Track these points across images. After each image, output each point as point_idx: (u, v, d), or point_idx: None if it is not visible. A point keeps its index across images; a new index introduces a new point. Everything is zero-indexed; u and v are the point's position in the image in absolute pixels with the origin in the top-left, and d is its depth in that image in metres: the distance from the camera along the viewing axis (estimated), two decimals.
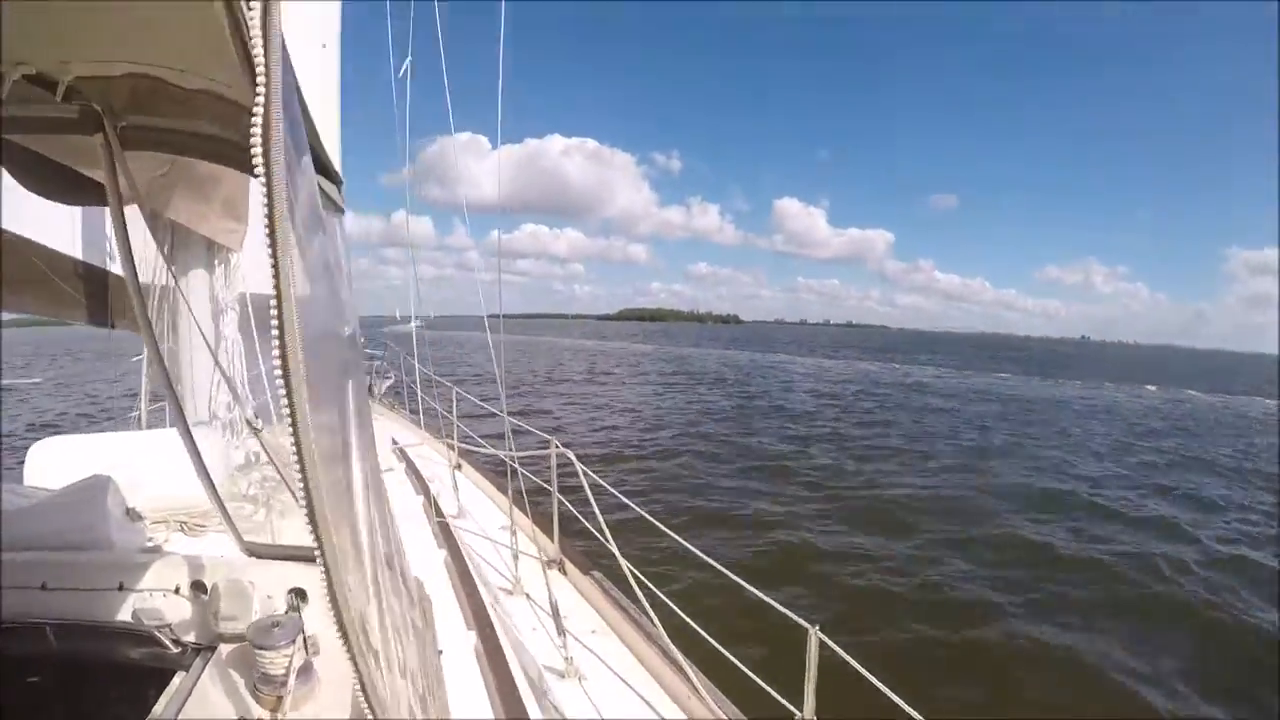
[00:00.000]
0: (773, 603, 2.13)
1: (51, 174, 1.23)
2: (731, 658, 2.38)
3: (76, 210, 2.06)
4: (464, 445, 4.35)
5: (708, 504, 9.41)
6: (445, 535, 2.67)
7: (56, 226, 2.13)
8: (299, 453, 0.52)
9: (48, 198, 1.29)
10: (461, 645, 1.95)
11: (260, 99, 0.51)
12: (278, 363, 0.49)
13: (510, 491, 3.34)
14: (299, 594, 1.52)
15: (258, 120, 0.50)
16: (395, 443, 4.02)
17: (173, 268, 1.88)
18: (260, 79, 0.51)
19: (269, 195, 0.50)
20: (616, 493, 3.06)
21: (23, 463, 2.54)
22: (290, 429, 0.51)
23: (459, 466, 4.58)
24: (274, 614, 1.48)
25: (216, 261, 1.96)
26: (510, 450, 3.41)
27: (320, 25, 4.69)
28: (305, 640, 1.44)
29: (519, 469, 3.58)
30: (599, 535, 2.85)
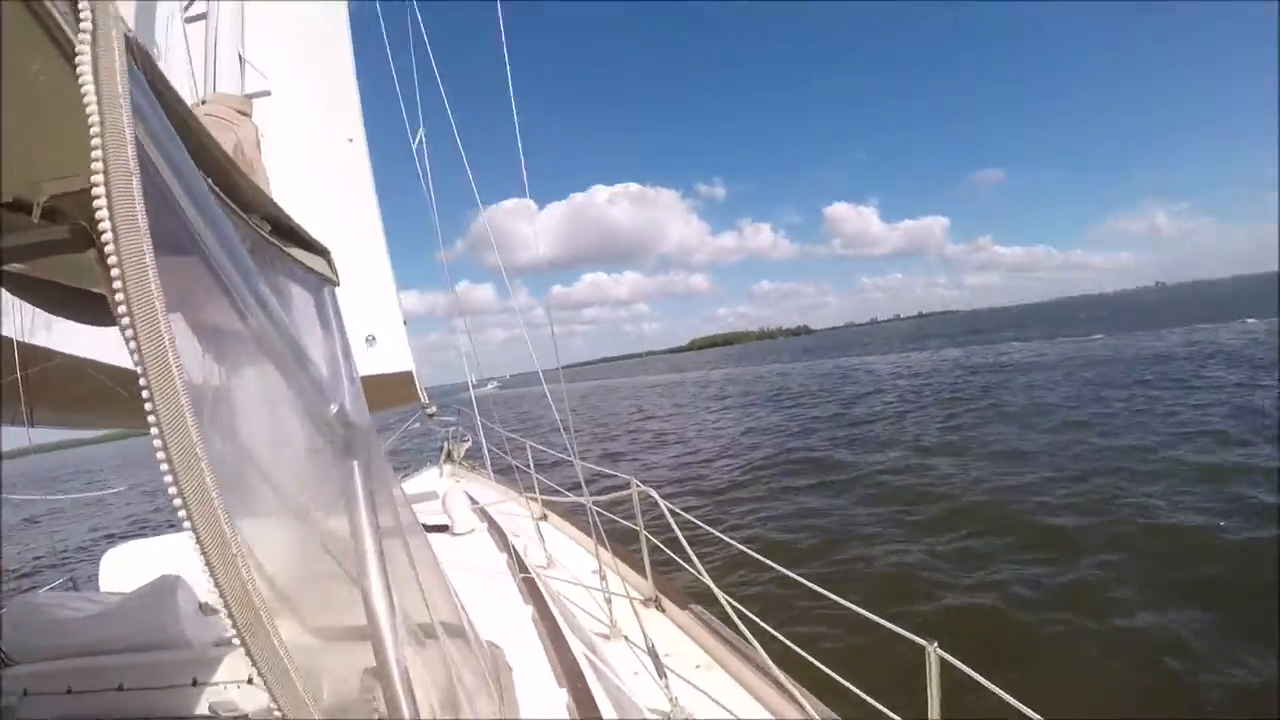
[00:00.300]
0: (884, 622, 2.03)
1: (67, 298, 1.23)
2: (845, 682, 2.27)
3: None
4: (545, 496, 4.37)
5: (804, 525, 8.63)
6: (531, 590, 2.63)
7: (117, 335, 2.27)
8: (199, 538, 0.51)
9: (76, 320, 1.29)
10: (553, 704, 1.90)
11: (98, 182, 0.49)
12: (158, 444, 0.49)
13: (594, 534, 3.29)
14: (374, 673, 1.52)
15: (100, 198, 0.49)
16: (475, 502, 4.05)
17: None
18: (96, 156, 0.49)
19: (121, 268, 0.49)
20: (700, 523, 3.00)
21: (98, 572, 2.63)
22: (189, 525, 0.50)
23: (544, 517, 4.60)
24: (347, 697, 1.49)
25: None
26: (588, 495, 3.38)
27: (343, 121, 4.97)
28: None
29: (604, 511, 3.56)
30: (691, 569, 2.78)
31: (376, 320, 5.24)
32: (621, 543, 3.86)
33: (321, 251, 1.12)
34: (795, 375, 38.17)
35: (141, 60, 0.60)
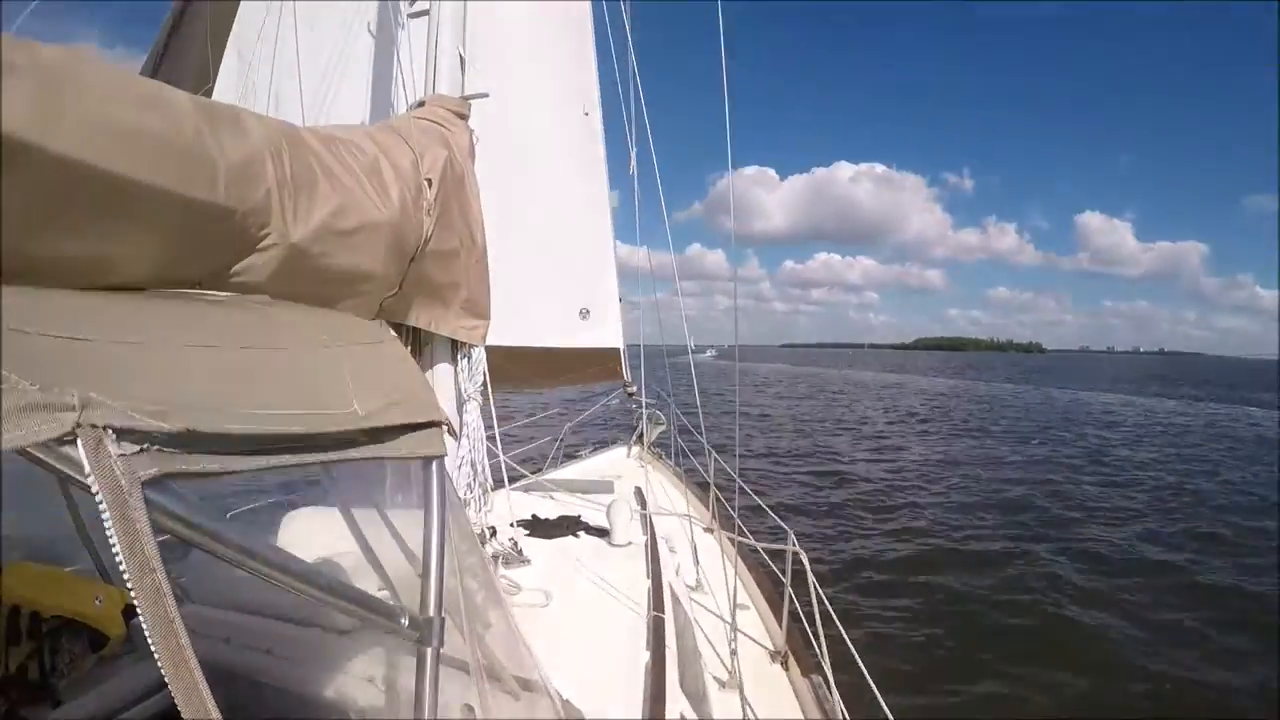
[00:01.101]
0: None
1: None
2: None
3: None
4: (706, 518, 4.32)
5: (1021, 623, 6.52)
6: (656, 634, 2.52)
7: None
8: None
9: None
10: None
11: None
12: None
13: (733, 574, 3.21)
14: None
15: None
16: (643, 507, 3.99)
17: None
18: None
19: None
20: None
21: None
22: None
23: (710, 530, 4.46)
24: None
25: (460, 355, 2.03)
26: (735, 536, 3.36)
27: (579, 93, 5.02)
28: None
29: (755, 547, 3.49)
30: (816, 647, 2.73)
31: (593, 292, 5.35)
32: (770, 579, 3.74)
33: (431, 424, 1.03)
34: (1029, 404, 32.86)
35: None
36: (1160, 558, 8.63)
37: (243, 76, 4.01)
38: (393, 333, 0.99)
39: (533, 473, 5.55)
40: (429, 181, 1.50)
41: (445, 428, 1.01)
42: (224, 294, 0.97)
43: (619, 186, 5.47)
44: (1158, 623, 6.56)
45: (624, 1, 4.01)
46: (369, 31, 3.80)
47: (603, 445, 6.56)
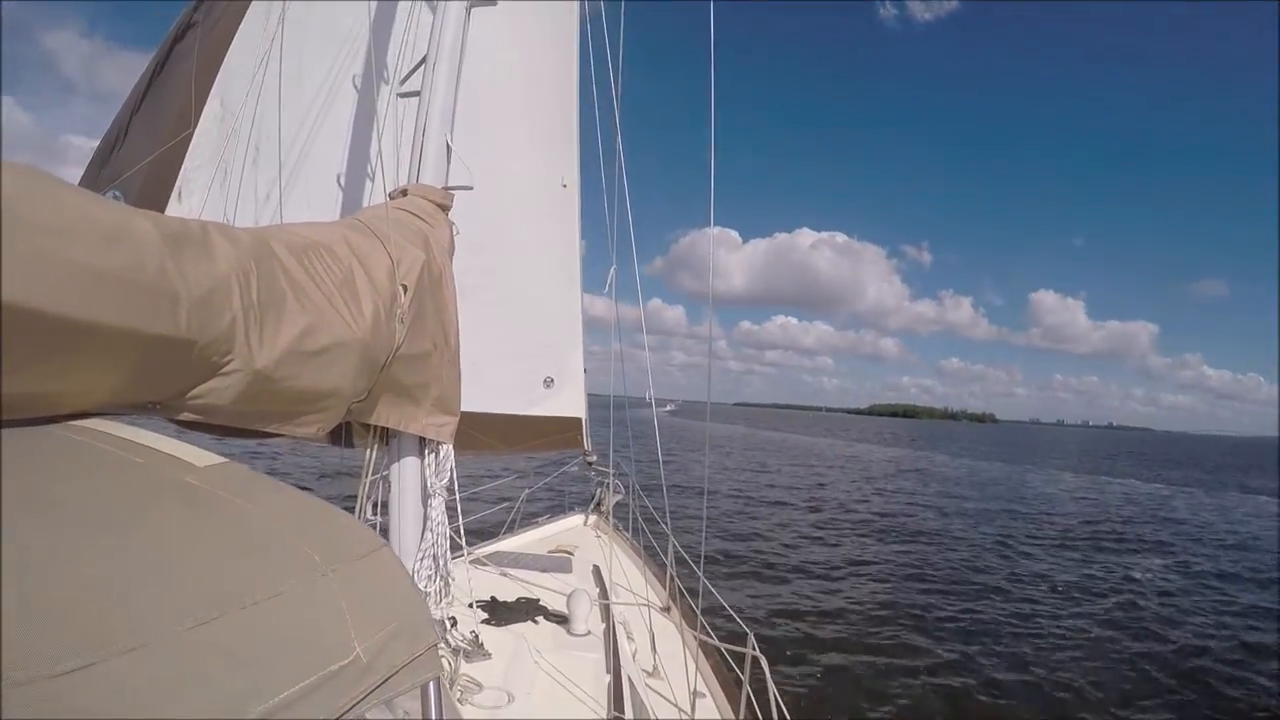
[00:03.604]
0: None
1: None
2: None
3: None
4: (654, 596, 4.27)
5: None
6: None
7: None
8: None
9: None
10: None
11: None
12: None
13: (691, 671, 3.15)
14: None
15: None
16: (601, 594, 3.90)
17: (384, 468, 1.92)
18: None
19: None
20: None
21: None
22: None
23: (667, 609, 4.38)
24: None
25: (427, 450, 1.96)
26: (695, 634, 3.29)
27: (559, 165, 5.08)
28: None
29: (721, 648, 3.44)
30: None
31: (560, 362, 5.31)
32: (725, 665, 3.67)
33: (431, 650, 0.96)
34: (996, 479, 31.47)
35: None
36: None
37: (224, 124, 3.96)
38: (384, 541, 0.91)
39: (490, 538, 5.38)
40: (404, 287, 1.46)
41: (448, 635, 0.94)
42: (193, 474, 0.85)
43: (586, 237, 5.48)
44: None
45: (613, 81, 4.08)
46: (353, 87, 3.80)
47: (559, 512, 6.44)
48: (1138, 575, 12.55)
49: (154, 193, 3.66)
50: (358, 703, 0.71)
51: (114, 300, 0.80)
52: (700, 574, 3.41)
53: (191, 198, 3.79)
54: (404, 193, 1.88)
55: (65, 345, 0.78)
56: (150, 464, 0.83)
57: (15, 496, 0.63)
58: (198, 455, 0.86)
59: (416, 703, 1.08)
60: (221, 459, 0.88)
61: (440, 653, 0.90)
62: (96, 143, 4.14)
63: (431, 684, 0.89)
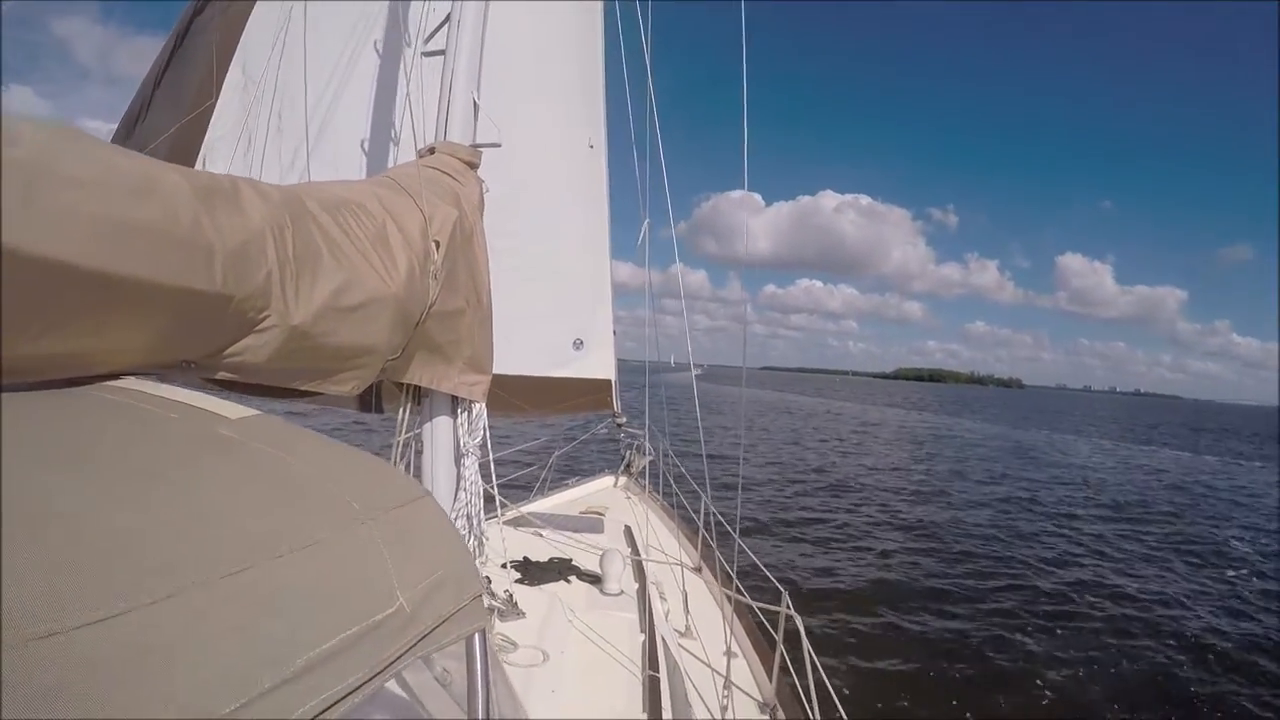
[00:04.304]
0: None
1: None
2: None
3: None
4: (694, 565, 4.27)
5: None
6: (652, 696, 2.47)
7: None
8: None
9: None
10: None
11: None
12: None
13: (728, 628, 3.18)
14: None
15: None
16: (633, 552, 3.93)
17: (416, 427, 1.92)
18: None
19: None
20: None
21: None
22: None
23: (699, 569, 4.41)
24: None
25: (460, 410, 1.96)
26: (733, 594, 3.33)
27: (585, 126, 5.00)
28: None
29: (747, 597, 3.46)
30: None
31: (588, 323, 5.30)
32: (759, 626, 3.69)
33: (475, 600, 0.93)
34: (1033, 447, 29.45)
35: None
36: None
37: (246, 92, 3.95)
38: (425, 490, 0.89)
39: (521, 500, 5.45)
40: (437, 244, 1.44)
41: (485, 593, 0.93)
42: (227, 426, 0.83)
43: (617, 208, 5.44)
44: None
45: (644, 35, 3.97)
46: (375, 51, 3.75)
47: (589, 475, 6.48)
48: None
49: (178, 163, 3.69)
50: (402, 654, 0.70)
51: (147, 253, 0.78)
52: (735, 533, 3.40)
53: (215, 167, 3.80)
54: (432, 151, 1.85)
55: (97, 302, 0.77)
56: (183, 418, 0.81)
57: (43, 450, 0.63)
58: (231, 409, 0.85)
59: (454, 661, 1.08)
60: (255, 411, 0.87)
61: (484, 603, 0.89)
62: (115, 125, 4.16)
63: (477, 636, 0.88)
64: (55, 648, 0.44)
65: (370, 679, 0.64)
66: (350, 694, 0.61)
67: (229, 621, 0.56)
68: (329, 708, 0.58)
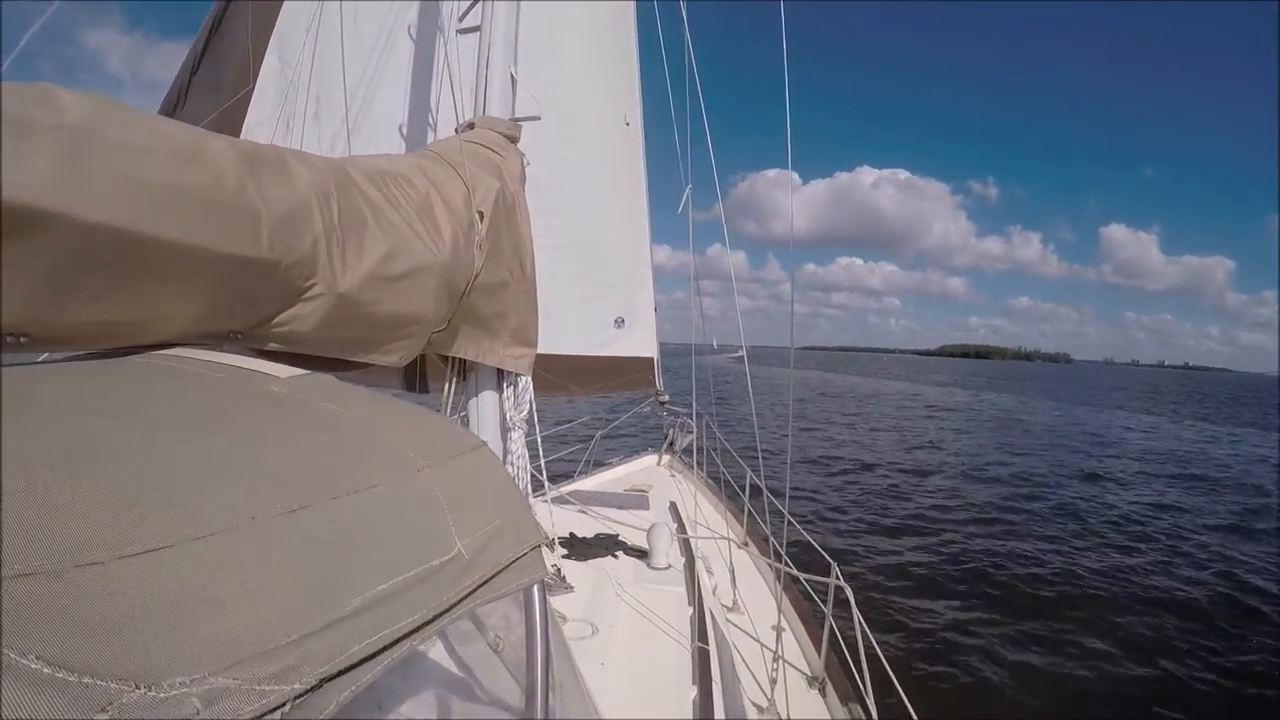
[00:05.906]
0: None
1: None
2: None
3: None
4: (740, 541, 4.26)
5: None
6: (702, 668, 2.46)
7: None
8: None
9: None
10: None
11: None
12: None
13: (777, 603, 3.17)
14: None
15: None
16: (679, 528, 3.92)
17: (461, 406, 1.91)
18: None
19: None
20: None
21: None
22: None
23: (746, 544, 4.39)
24: None
25: (506, 383, 1.95)
26: (782, 567, 3.31)
27: (621, 103, 4.95)
28: None
29: (801, 578, 3.43)
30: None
31: (629, 302, 5.28)
32: (806, 599, 3.65)
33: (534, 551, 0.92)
34: (1102, 432, 26.30)
35: None
36: None
37: (283, 78, 3.98)
38: (482, 440, 0.88)
39: (565, 480, 5.48)
40: (480, 215, 1.42)
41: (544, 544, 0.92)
42: (277, 384, 0.84)
43: (655, 189, 5.39)
44: None
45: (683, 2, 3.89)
46: (409, 35, 3.75)
47: (633, 453, 6.49)
48: None
49: None
50: (460, 599, 0.69)
51: (194, 219, 0.78)
52: (784, 507, 3.38)
53: None
54: (471, 126, 1.83)
55: (145, 268, 0.76)
56: (232, 378, 0.81)
57: (92, 401, 0.62)
58: (282, 369, 0.85)
59: (506, 630, 1.07)
60: (305, 371, 0.86)
61: (543, 554, 0.88)
62: None
63: (535, 588, 0.87)
64: (96, 577, 0.43)
65: (426, 623, 0.63)
66: (405, 637, 0.60)
67: (278, 559, 0.54)
68: (382, 649, 0.57)
